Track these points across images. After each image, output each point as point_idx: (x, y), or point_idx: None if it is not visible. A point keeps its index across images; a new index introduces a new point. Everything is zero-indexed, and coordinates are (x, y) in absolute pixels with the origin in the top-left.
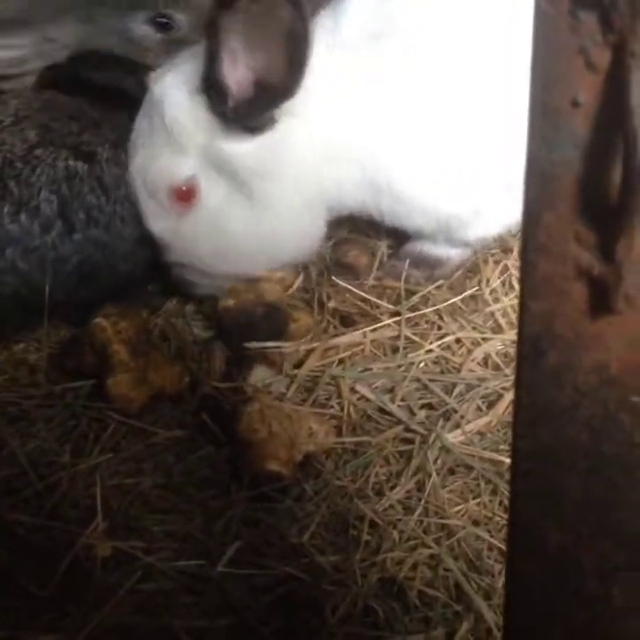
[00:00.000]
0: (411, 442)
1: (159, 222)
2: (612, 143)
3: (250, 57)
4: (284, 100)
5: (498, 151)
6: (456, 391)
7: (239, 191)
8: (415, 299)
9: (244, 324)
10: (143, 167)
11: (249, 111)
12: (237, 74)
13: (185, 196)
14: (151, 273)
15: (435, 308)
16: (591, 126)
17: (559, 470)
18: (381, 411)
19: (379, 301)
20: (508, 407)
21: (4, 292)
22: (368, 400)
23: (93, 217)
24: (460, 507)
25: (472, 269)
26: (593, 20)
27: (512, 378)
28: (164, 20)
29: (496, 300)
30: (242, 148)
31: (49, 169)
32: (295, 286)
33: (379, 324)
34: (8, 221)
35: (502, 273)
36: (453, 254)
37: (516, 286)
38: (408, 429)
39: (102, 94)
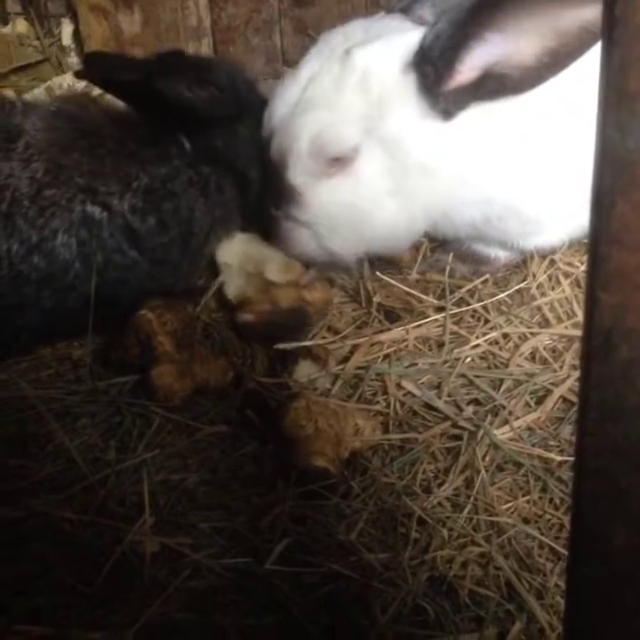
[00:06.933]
0: (458, 438)
1: (303, 176)
2: None
3: (506, 47)
4: (511, 94)
5: (565, 167)
6: (504, 387)
7: (390, 176)
8: (460, 293)
9: (266, 335)
10: (312, 122)
11: (464, 96)
12: (476, 60)
13: (342, 162)
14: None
15: (482, 303)
16: None
17: (628, 469)
18: (428, 407)
19: (423, 296)
20: (556, 403)
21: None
22: (414, 396)
23: (113, 260)
24: (510, 504)
25: (518, 264)
26: None
27: (561, 373)
28: None
29: (543, 295)
30: (424, 129)
31: (63, 212)
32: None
33: (423, 320)
34: (18, 261)
35: (549, 267)
36: (502, 255)
37: (563, 281)
38: (455, 425)
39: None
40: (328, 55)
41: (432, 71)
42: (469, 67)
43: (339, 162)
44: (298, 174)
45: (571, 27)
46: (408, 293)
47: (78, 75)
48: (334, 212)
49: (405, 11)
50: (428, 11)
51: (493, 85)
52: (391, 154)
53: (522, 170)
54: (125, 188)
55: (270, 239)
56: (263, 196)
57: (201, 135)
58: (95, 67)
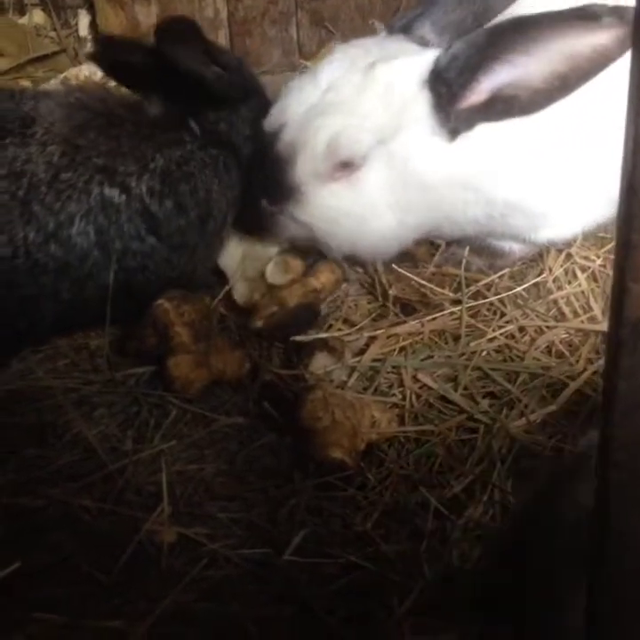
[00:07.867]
0: (474, 431)
1: (308, 176)
2: None
3: (521, 69)
4: (520, 115)
5: (575, 160)
6: (519, 380)
7: (391, 189)
8: (477, 286)
9: (281, 337)
10: (332, 124)
11: (473, 116)
12: (491, 82)
13: (349, 168)
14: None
15: (498, 296)
16: None
17: None
18: (444, 399)
19: (439, 289)
20: (572, 396)
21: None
22: (430, 388)
23: (131, 248)
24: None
25: (534, 258)
26: None
27: (577, 367)
28: None
29: (559, 288)
30: (431, 147)
31: (80, 195)
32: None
33: (439, 313)
34: (35, 250)
35: (565, 261)
36: (516, 248)
37: (579, 274)
38: (471, 418)
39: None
40: (349, 65)
41: (446, 91)
42: (483, 88)
43: (346, 167)
44: (304, 173)
45: (584, 50)
46: (424, 286)
47: (90, 57)
48: (332, 215)
49: (406, 30)
50: (428, 29)
51: (503, 107)
52: (396, 167)
53: (525, 168)
54: (143, 168)
55: (259, 230)
56: (251, 187)
57: (207, 118)
58: (107, 48)
